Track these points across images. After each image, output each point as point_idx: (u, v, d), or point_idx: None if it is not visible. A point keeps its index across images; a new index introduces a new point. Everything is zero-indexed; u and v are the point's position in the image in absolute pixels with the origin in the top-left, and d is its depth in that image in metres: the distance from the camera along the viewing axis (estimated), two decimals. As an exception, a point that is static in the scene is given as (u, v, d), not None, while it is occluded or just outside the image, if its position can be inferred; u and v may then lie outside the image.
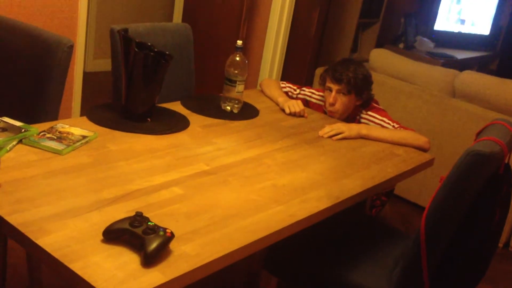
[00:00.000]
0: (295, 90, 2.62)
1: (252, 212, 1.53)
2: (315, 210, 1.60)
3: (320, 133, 2.20)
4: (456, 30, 5.63)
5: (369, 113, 2.43)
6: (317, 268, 1.83)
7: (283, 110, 2.41)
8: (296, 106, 2.40)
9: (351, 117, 2.45)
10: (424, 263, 1.58)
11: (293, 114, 2.39)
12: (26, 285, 2.11)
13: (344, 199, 1.70)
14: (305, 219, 1.56)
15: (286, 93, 2.60)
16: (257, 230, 1.44)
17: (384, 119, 2.38)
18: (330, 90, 2.40)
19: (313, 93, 2.61)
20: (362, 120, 2.43)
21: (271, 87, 2.62)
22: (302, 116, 2.39)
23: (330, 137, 2.19)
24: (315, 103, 2.58)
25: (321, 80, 2.46)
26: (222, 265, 1.32)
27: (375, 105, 2.49)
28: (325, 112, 2.51)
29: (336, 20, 4.88)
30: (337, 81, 2.36)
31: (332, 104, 2.40)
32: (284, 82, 2.66)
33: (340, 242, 1.98)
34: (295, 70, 4.34)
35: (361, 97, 2.42)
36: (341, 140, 2.20)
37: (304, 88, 2.63)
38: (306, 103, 2.58)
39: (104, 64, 4.87)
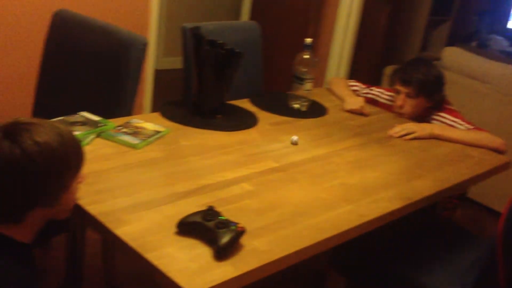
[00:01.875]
0: (363, 89, 2.59)
1: (321, 210, 1.52)
2: (386, 210, 1.58)
3: (390, 132, 2.16)
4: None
5: (441, 114, 2.36)
6: (387, 269, 1.81)
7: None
8: (355, 103, 2.37)
9: (421, 118, 2.39)
10: (500, 269, 1.52)
11: (352, 112, 2.36)
12: (102, 273, 2.19)
13: (416, 200, 1.67)
14: (375, 220, 1.54)
15: (354, 91, 2.57)
16: (326, 228, 1.44)
17: (457, 120, 2.31)
18: (399, 92, 2.35)
19: (382, 92, 2.56)
20: (433, 122, 2.36)
21: (339, 85, 2.60)
22: (362, 114, 2.35)
23: (401, 136, 2.14)
24: (384, 103, 2.53)
25: (390, 81, 2.41)
26: (291, 261, 1.33)
27: (447, 106, 2.42)
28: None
29: (405, 17, 4.78)
30: (405, 83, 2.31)
31: (401, 107, 2.35)
32: (353, 81, 2.63)
33: (411, 244, 1.94)
34: (363, 69, 4.29)
35: (431, 99, 2.34)
36: (412, 140, 2.15)
37: (372, 88, 2.59)
38: (375, 103, 2.54)
39: (174, 62, 4.98)
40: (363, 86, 2.60)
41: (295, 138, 1.88)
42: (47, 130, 1.18)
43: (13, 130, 1.16)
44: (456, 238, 2.05)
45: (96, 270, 2.19)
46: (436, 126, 2.23)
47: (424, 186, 1.76)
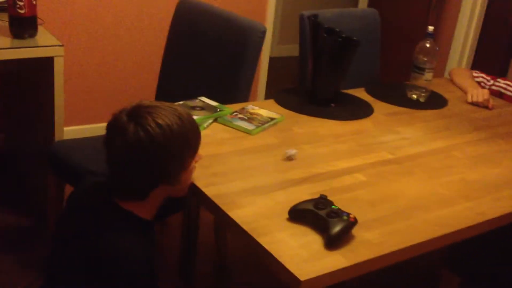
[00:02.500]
0: (488, 81, 2.43)
1: (438, 205, 1.46)
2: (509, 210, 1.48)
3: None
4: None
5: None
6: (506, 272, 1.70)
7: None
8: (479, 95, 2.23)
9: None
10: None
11: (475, 104, 2.23)
12: (213, 254, 2.28)
13: (543, 201, 1.55)
14: (497, 219, 1.46)
15: (478, 83, 2.43)
16: (443, 225, 1.38)
17: None
18: None
19: (508, 85, 2.39)
20: None
21: (461, 76, 2.47)
22: (486, 107, 2.21)
23: None
24: (510, 96, 2.37)
25: None
26: (404, 256, 1.29)
27: None
28: None
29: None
30: None
31: None
32: (477, 72, 2.48)
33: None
34: (488, 59, 4.03)
35: None
36: (542, 136, 2.00)
37: (499, 80, 2.43)
38: (500, 95, 2.39)
39: (288, 50, 5.01)
40: (488, 78, 2.44)
41: (292, 152, 1.61)
42: (167, 113, 1.24)
43: (137, 113, 1.23)
44: None
45: (208, 249, 2.27)
46: None
47: (553, 187, 1.63)
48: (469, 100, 2.26)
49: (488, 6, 3.77)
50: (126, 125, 1.21)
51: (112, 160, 1.25)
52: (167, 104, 1.28)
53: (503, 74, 3.62)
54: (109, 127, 1.25)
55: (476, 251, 1.78)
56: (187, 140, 1.27)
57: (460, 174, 1.65)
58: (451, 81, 2.49)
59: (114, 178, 1.28)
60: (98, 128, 1.26)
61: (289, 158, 1.60)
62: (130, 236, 1.24)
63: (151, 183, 1.27)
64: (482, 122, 2.08)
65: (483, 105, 2.23)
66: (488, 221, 1.44)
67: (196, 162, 1.35)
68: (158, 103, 1.27)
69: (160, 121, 1.22)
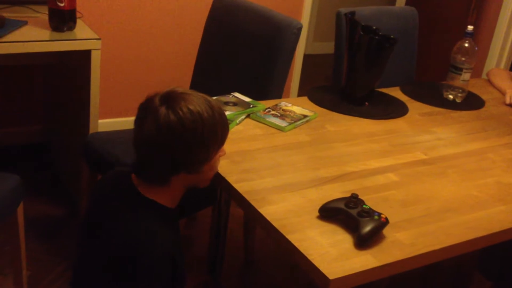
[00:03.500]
0: None
1: (472, 208, 1.44)
2: (546, 215, 1.45)
3: None
4: None
5: None
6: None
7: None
8: None
9: None
10: None
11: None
12: (241, 249, 2.29)
13: None
14: (533, 224, 1.42)
15: None
16: (477, 227, 1.36)
17: None
18: None
19: None
20: None
21: (500, 76, 2.41)
22: None
23: None
24: None
25: None
26: (436, 259, 1.28)
27: None
28: None
29: None
30: None
31: None
32: None
33: None
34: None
35: None
36: None
37: None
38: None
39: (322, 47, 4.98)
40: None
41: None
42: (200, 101, 1.25)
43: (170, 98, 1.24)
44: None
45: (236, 244, 2.28)
46: None
47: None
48: (508, 101, 2.20)
49: (530, 6, 3.67)
50: (158, 107, 1.22)
51: (138, 140, 1.27)
52: (200, 94, 1.29)
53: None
54: (140, 108, 1.27)
55: (509, 256, 1.74)
56: (215, 131, 1.27)
57: (495, 177, 1.61)
58: (489, 82, 2.44)
59: (138, 159, 1.29)
60: (132, 122, 1.27)
61: None
62: (152, 222, 1.26)
63: (173, 168, 1.27)
64: (521, 125, 2.03)
65: None
66: (523, 225, 1.41)
67: (220, 156, 1.35)
68: (191, 91, 1.28)
69: (191, 107, 1.22)
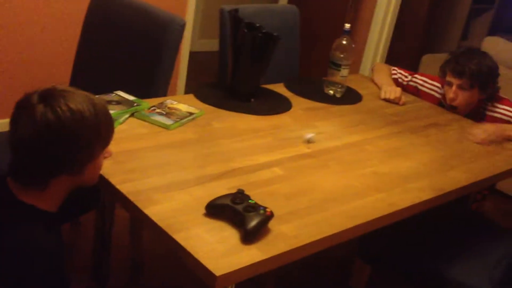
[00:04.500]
0: (406, 77, 2.52)
1: (351, 198, 1.51)
2: (417, 200, 1.56)
3: (471, 137, 2.06)
4: None
5: (498, 105, 2.25)
6: (413, 260, 1.79)
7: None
8: (391, 92, 2.32)
9: (474, 111, 2.29)
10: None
11: (386, 100, 2.32)
12: (129, 251, 2.23)
13: (448, 192, 1.64)
14: (406, 209, 1.52)
15: (396, 79, 2.52)
16: (356, 216, 1.43)
17: None
18: (450, 84, 2.25)
19: (425, 81, 2.49)
20: (489, 113, 2.26)
21: (380, 72, 2.55)
22: (397, 104, 2.31)
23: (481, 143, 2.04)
24: (426, 93, 2.46)
25: (441, 73, 2.31)
26: (319, 247, 1.33)
27: (503, 96, 2.31)
28: (440, 104, 2.39)
29: (447, 5, 4.67)
30: (458, 75, 2.20)
31: (453, 100, 2.25)
32: (396, 68, 2.57)
33: (439, 236, 1.91)
34: (401, 56, 4.21)
35: (484, 92, 2.23)
36: (448, 131, 2.11)
37: (416, 75, 2.52)
38: (417, 91, 2.49)
39: (208, 44, 4.99)
40: (406, 74, 2.53)
41: (310, 135, 1.77)
42: (81, 99, 1.19)
43: (49, 95, 1.17)
44: (486, 230, 2.02)
45: (123, 248, 2.23)
46: (507, 128, 2.13)
47: (457, 178, 1.73)
48: (382, 96, 2.34)
49: (402, 4, 3.92)
50: (36, 105, 1.15)
51: (14, 141, 1.19)
52: (82, 91, 1.23)
53: (415, 70, 3.79)
54: (17, 106, 1.19)
55: (385, 241, 1.85)
56: (98, 130, 1.22)
57: (372, 167, 1.71)
58: (372, 76, 2.57)
59: (15, 161, 1.21)
60: (6, 124, 1.20)
61: (309, 141, 1.68)
62: (31, 229, 1.18)
63: (52, 170, 1.20)
64: (394, 117, 2.17)
65: (394, 102, 2.32)
66: (398, 211, 1.50)
67: (105, 157, 1.31)
68: (73, 89, 1.22)
69: (72, 106, 1.17)
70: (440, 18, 4.68)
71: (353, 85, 2.41)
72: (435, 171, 1.75)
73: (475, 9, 4.77)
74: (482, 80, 2.20)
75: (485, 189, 2.48)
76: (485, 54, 2.27)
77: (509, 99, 2.30)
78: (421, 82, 2.49)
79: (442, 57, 3.78)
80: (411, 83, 2.50)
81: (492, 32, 4.79)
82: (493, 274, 1.66)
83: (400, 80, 2.52)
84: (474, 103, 2.27)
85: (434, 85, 2.44)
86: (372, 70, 2.63)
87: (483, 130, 2.09)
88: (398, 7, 3.90)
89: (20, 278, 1.14)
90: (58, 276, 1.19)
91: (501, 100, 2.28)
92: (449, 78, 2.25)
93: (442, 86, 2.37)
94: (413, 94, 2.48)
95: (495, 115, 2.25)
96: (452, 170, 1.78)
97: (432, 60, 3.65)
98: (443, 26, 4.70)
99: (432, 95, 2.43)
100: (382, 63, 2.60)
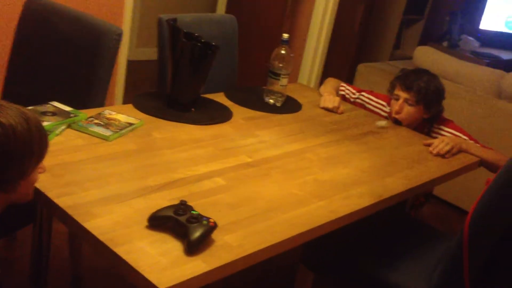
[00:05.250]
0: (354, 94, 2.58)
1: (293, 206, 1.53)
2: (357, 207, 1.59)
3: (430, 148, 2.12)
4: (502, 30, 5.49)
5: (443, 127, 2.33)
6: (355, 265, 1.82)
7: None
8: (330, 101, 2.37)
9: (418, 130, 2.35)
10: (466, 266, 1.55)
11: (325, 109, 2.36)
12: (68, 266, 2.16)
13: (386, 198, 1.68)
14: (347, 216, 1.55)
15: (343, 96, 2.57)
16: (298, 224, 1.44)
17: (462, 135, 2.28)
18: (397, 98, 2.31)
19: (371, 99, 2.54)
20: (434, 135, 2.33)
21: (327, 84, 2.60)
22: (336, 112, 2.36)
23: (439, 153, 2.09)
24: (372, 110, 2.52)
25: (390, 87, 2.37)
26: (263, 257, 1.33)
27: (447, 118, 2.39)
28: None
29: (380, 15, 4.82)
30: (406, 88, 2.27)
31: (398, 112, 2.32)
32: (344, 85, 2.62)
33: (379, 241, 1.96)
34: (337, 66, 4.31)
35: (429, 111, 2.31)
36: (385, 138, 2.17)
37: (363, 93, 2.58)
38: (364, 108, 2.54)
39: (147, 53, 4.93)
40: (354, 91, 2.59)
41: (382, 122, 2.11)
42: (13, 113, 1.15)
43: None
44: (424, 235, 2.08)
45: (62, 262, 2.15)
46: (462, 141, 2.21)
47: (395, 184, 1.78)
48: (321, 105, 2.38)
49: (337, 15, 4.02)
50: None
51: None
52: (15, 105, 1.18)
53: (350, 80, 3.89)
54: None
55: (327, 247, 1.88)
56: (30, 145, 1.18)
57: (313, 175, 1.73)
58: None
59: None
60: None
61: (382, 127, 1.82)
62: None
63: None
64: (333, 126, 2.21)
65: (332, 111, 2.36)
66: (339, 218, 1.53)
67: (39, 172, 1.27)
68: (3, 102, 1.17)
69: (3, 120, 1.12)
70: (374, 28, 4.83)
71: (292, 94, 2.44)
72: (374, 178, 1.79)
73: (406, 19, 4.95)
74: (428, 98, 2.27)
75: (422, 195, 2.57)
76: (434, 76, 2.36)
77: (454, 122, 2.39)
78: (367, 100, 2.55)
79: (376, 66, 3.92)
80: (358, 100, 2.56)
81: (423, 41, 4.99)
82: (431, 276, 1.71)
83: (347, 96, 2.58)
84: (418, 121, 2.35)
85: (379, 103, 2.51)
86: (324, 82, 2.67)
87: (441, 141, 2.15)
88: (334, 18, 3.99)
89: None
90: None
91: (446, 123, 2.37)
92: (397, 92, 2.32)
93: (388, 104, 2.44)
94: None
95: (438, 136, 2.31)
96: (389, 176, 1.83)
97: (367, 69, 3.75)
98: (377, 36, 4.86)
99: (377, 113, 2.49)
100: (333, 78, 2.65)
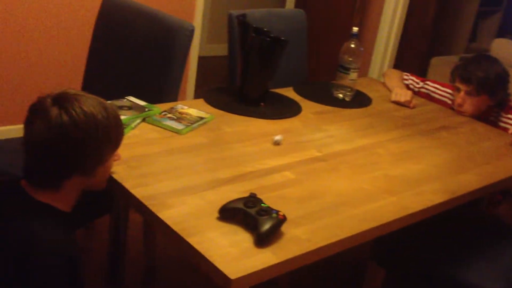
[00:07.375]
0: (417, 83, 2.52)
1: (363, 201, 1.51)
2: (429, 203, 1.55)
3: None
4: None
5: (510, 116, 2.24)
6: (428, 263, 1.78)
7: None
8: (402, 95, 2.32)
9: (483, 118, 2.28)
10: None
11: (396, 103, 2.31)
12: (142, 255, 2.24)
13: (460, 195, 1.63)
14: (419, 212, 1.52)
15: (408, 85, 2.52)
16: (368, 219, 1.43)
17: None
18: (459, 90, 2.25)
19: (437, 88, 2.48)
20: (501, 124, 2.25)
21: (392, 76, 2.55)
22: (408, 107, 2.31)
23: None
24: (438, 99, 2.46)
25: (451, 77, 2.31)
26: (332, 251, 1.32)
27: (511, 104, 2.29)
28: (452, 109, 2.39)
29: (454, 7, 4.66)
30: (465, 81, 2.20)
31: (460, 105, 2.26)
32: (408, 74, 2.56)
33: (454, 239, 1.90)
34: (409, 60, 4.21)
35: (494, 98, 2.23)
36: (460, 134, 2.10)
37: (428, 82, 2.51)
38: (429, 98, 2.48)
39: (217, 49, 5.01)
40: (418, 80, 2.53)
41: (278, 137, 1.75)
42: (94, 103, 1.23)
43: (62, 98, 1.21)
44: (501, 234, 2.00)
45: (137, 252, 2.24)
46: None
47: (469, 180, 1.72)
48: (393, 99, 2.34)
49: (409, 8, 3.92)
50: (49, 108, 1.18)
51: (29, 143, 1.22)
52: (94, 96, 1.26)
53: (423, 73, 3.79)
54: (31, 109, 1.22)
55: (399, 244, 1.85)
56: (109, 133, 1.26)
57: (383, 170, 1.71)
58: (384, 81, 2.57)
59: (29, 163, 1.24)
60: (17, 130, 1.22)
61: (276, 143, 1.70)
62: (46, 221, 1.21)
63: (65, 171, 1.23)
64: (405, 120, 2.16)
65: (404, 105, 2.31)
66: (410, 214, 1.50)
67: (114, 160, 1.34)
68: (84, 93, 1.26)
69: (85, 108, 1.20)
70: (448, 20, 4.67)
71: (362, 89, 2.41)
72: (447, 174, 1.74)
73: (483, 11, 4.76)
74: (489, 87, 2.19)
75: (500, 193, 2.47)
76: (494, 60, 2.25)
77: None
78: (433, 89, 2.48)
79: (451, 59, 3.79)
80: (422, 89, 2.50)
81: (500, 34, 4.78)
82: (510, 277, 1.65)
83: (411, 86, 2.52)
84: (482, 110, 2.27)
85: (446, 92, 2.43)
86: (384, 75, 2.63)
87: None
88: (406, 10, 3.90)
89: (33, 267, 1.15)
90: (71, 269, 1.20)
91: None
92: (457, 84, 2.26)
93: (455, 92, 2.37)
94: None
95: (508, 127, 2.23)
96: (464, 173, 1.77)
97: (441, 63, 3.65)
98: (451, 28, 4.70)
99: (445, 102, 2.42)
100: (393, 69, 2.60)
